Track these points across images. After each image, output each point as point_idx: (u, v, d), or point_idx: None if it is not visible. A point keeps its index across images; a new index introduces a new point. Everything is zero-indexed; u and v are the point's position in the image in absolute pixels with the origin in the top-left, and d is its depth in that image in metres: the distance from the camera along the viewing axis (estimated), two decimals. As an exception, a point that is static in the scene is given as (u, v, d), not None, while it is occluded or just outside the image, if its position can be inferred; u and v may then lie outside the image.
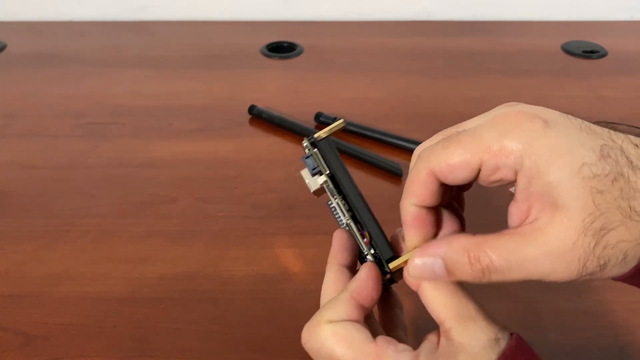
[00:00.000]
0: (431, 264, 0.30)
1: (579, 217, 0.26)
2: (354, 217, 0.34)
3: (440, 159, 0.29)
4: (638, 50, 0.90)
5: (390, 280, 0.35)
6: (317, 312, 0.32)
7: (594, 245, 0.26)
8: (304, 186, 0.65)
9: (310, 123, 0.70)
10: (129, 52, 0.88)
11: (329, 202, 0.36)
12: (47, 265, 0.52)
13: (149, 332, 0.46)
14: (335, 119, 0.70)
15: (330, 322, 0.30)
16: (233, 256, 0.53)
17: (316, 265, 0.52)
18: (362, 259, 0.35)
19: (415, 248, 0.31)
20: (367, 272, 0.32)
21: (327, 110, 0.71)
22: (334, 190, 0.35)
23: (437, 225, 0.32)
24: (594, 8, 1.00)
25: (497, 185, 0.29)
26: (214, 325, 0.47)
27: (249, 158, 0.66)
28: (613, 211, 0.26)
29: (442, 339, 0.30)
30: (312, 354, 0.31)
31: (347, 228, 0.35)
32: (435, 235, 0.32)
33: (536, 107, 0.29)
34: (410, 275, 0.31)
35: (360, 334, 0.30)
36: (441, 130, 0.32)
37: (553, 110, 0.28)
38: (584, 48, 0.89)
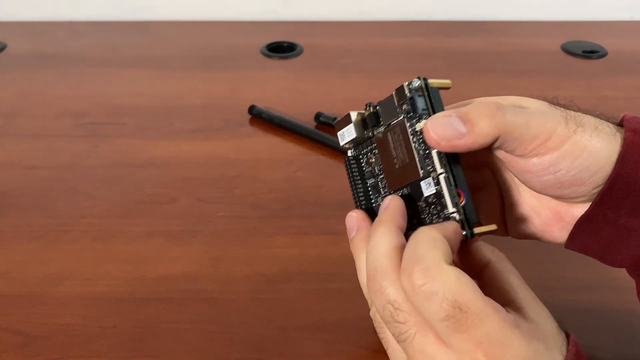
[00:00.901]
0: (448, 119, 0.32)
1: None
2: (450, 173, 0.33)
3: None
4: (638, 50, 0.90)
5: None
6: (425, 252, 0.29)
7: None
8: (304, 186, 0.65)
9: (310, 123, 0.70)
10: (129, 52, 0.88)
11: (426, 150, 0.34)
12: (47, 265, 0.52)
13: (148, 332, 0.46)
14: (335, 119, 0.70)
15: (450, 265, 0.29)
16: (233, 256, 0.53)
17: (316, 265, 0.52)
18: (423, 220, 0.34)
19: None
20: (456, 229, 0.32)
21: (327, 110, 0.71)
22: None
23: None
24: (594, 8, 1.00)
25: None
26: (214, 325, 0.47)
27: (249, 158, 0.66)
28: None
29: (516, 315, 0.30)
30: (428, 297, 0.28)
31: (438, 180, 0.33)
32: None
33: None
34: (432, 130, 0.32)
35: (475, 286, 0.28)
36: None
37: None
38: (584, 48, 0.89)
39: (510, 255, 0.34)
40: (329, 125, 0.70)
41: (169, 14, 0.99)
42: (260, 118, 0.72)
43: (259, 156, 0.66)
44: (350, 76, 0.82)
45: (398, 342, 0.30)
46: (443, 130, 0.32)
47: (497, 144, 0.33)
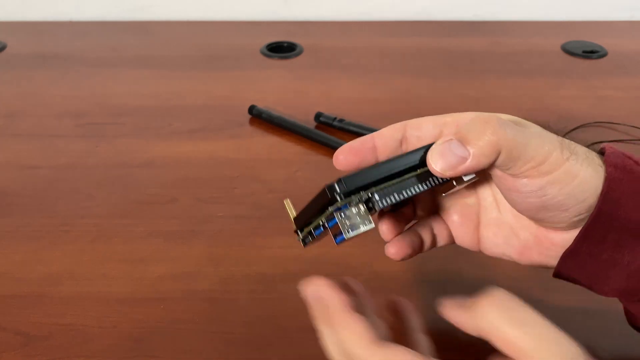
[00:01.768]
0: (448, 145, 0.31)
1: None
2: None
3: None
4: (638, 50, 0.90)
5: None
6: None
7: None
8: (304, 186, 0.65)
9: (311, 123, 0.70)
10: (129, 52, 0.88)
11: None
12: (47, 265, 0.52)
13: (148, 332, 0.46)
14: (335, 119, 0.70)
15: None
16: (233, 256, 0.53)
17: (316, 266, 0.52)
18: None
19: None
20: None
21: (327, 110, 0.71)
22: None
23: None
24: (594, 8, 1.00)
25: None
26: (214, 325, 0.47)
27: (248, 158, 0.66)
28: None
29: None
30: None
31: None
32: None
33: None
34: (433, 163, 0.31)
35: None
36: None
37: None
38: (584, 48, 0.89)
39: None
40: (329, 125, 0.70)
41: (169, 14, 0.99)
42: (260, 118, 0.72)
43: (259, 156, 0.66)
44: (350, 76, 0.82)
45: None
46: (444, 160, 0.31)
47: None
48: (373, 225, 0.31)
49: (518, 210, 0.35)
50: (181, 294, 0.49)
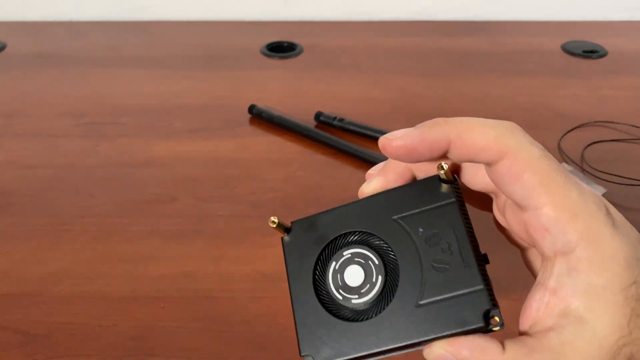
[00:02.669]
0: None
1: (611, 337, 0.24)
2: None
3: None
4: (638, 50, 0.90)
5: None
6: None
7: None
8: (304, 185, 0.65)
9: (311, 123, 0.70)
10: (129, 52, 0.88)
11: None
12: (47, 264, 0.52)
13: (148, 331, 0.46)
14: (335, 119, 0.70)
15: None
16: (233, 255, 0.53)
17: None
18: None
19: None
20: None
21: (327, 110, 0.71)
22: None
23: None
24: (594, 8, 1.00)
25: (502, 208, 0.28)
26: (214, 324, 0.47)
27: (248, 157, 0.66)
28: None
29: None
30: None
31: None
32: None
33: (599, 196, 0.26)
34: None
35: None
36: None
37: (613, 208, 0.27)
38: (584, 48, 0.89)
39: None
40: (329, 124, 0.70)
41: (169, 14, 0.99)
42: (260, 118, 0.72)
43: (259, 155, 0.66)
44: (350, 76, 0.82)
45: None
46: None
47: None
48: None
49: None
50: (181, 293, 0.49)
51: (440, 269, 0.27)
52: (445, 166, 0.28)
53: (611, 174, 0.61)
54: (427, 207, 0.28)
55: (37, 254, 0.53)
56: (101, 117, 0.73)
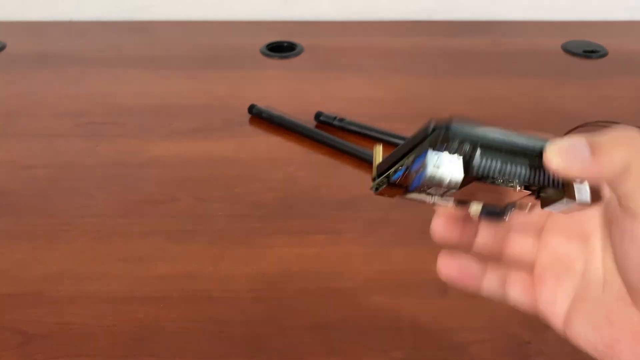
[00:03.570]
0: (572, 142, 0.25)
1: None
2: None
3: None
4: (638, 50, 0.90)
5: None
6: None
7: None
8: (304, 185, 0.65)
9: (311, 123, 0.70)
10: (129, 52, 0.88)
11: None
12: (46, 264, 0.52)
13: (148, 331, 0.46)
14: (335, 119, 0.70)
15: None
16: (233, 255, 0.53)
17: (316, 265, 0.52)
18: None
19: None
20: None
21: (327, 110, 0.71)
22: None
23: None
24: (595, 8, 1.00)
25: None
26: (214, 325, 0.46)
27: (248, 157, 0.66)
28: None
29: None
30: None
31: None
32: None
33: None
34: (550, 153, 0.26)
35: None
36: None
37: None
38: (584, 48, 0.89)
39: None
40: (329, 124, 0.70)
41: (169, 14, 0.99)
42: (260, 117, 0.71)
43: (259, 156, 0.66)
44: (350, 76, 0.82)
45: None
46: (563, 155, 0.26)
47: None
48: (462, 176, 0.26)
49: (627, 273, 0.27)
50: (181, 293, 0.49)
51: None
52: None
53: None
54: None
55: (36, 254, 0.53)
56: (101, 117, 0.73)
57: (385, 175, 0.30)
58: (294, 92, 0.78)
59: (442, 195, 0.28)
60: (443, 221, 0.31)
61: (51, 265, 0.52)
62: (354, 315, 0.47)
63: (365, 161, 0.64)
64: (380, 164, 0.31)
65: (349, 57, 0.87)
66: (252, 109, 0.72)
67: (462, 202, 0.30)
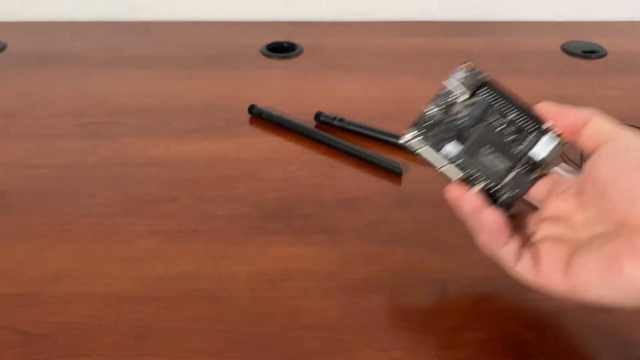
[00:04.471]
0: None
1: None
2: None
3: None
4: (638, 50, 0.91)
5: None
6: None
7: None
8: (304, 185, 0.65)
9: (311, 123, 0.70)
10: (129, 52, 0.88)
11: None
12: (47, 264, 0.52)
13: (149, 331, 0.46)
14: (335, 119, 0.70)
15: None
16: (233, 255, 0.53)
17: (317, 264, 0.52)
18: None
19: None
20: None
21: (327, 110, 0.71)
22: None
23: None
24: (594, 8, 1.00)
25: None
26: (214, 324, 0.47)
27: (249, 157, 0.66)
28: None
29: None
30: None
31: None
32: None
33: None
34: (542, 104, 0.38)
35: None
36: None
37: None
38: (583, 48, 0.89)
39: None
40: (329, 124, 0.70)
41: (169, 14, 0.99)
42: (260, 118, 0.72)
43: (259, 155, 0.66)
44: (350, 76, 0.82)
45: None
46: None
47: None
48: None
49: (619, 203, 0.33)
50: (181, 293, 0.49)
51: None
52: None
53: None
54: None
55: (36, 253, 0.53)
56: (101, 117, 0.73)
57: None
58: (294, 92, 0.78)
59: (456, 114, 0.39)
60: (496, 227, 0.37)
61: (51, 265, 0.52)
62: (353, 314, 0.47)
63: (365, 161, 0.64)
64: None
65: (349, 57, 0.87)
66: (252, 109, 0.72)
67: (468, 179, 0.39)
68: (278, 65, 0.85)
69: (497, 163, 0.38)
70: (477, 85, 0.37)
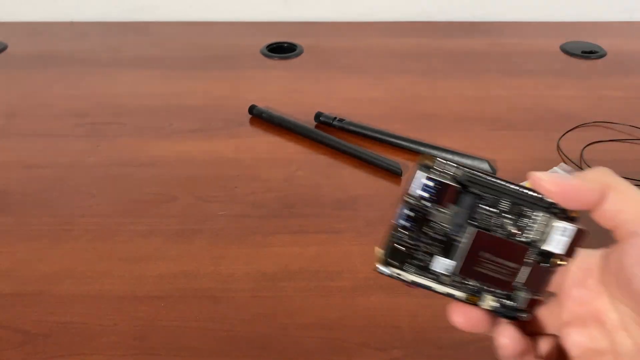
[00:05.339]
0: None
1: None
2: None
3: None
4: (637, 50, 0.91)
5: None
6: None
7: None
8: (304, 185, 0.66)
9: (311, 123, 0.71)
10: (129, 52, 0.89)
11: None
12: (48, 263, 0.52)
13: (149, 330, 0.46)
14: (335, 119, 0.70)
15: None
16: (233, 254, 0.53)
17: (316, 264, 0.52)
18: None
19: None
20: None
21: (327, 110, 0.71)
22: None
23: None
24: (593, 8, 1.00)
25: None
26: (214, 323, 0.47)
27: (249, 157, 0.66)
28: None
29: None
30: None
31: None
32: None
33: None
34: (539, 175, 0.28)
35: None
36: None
37: None
38: (583, 48, 0.89)
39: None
40: (328, 125, 0.70)
41: (169, 14, 0.99)
42: (260, 118, 0.72)
43: (259, 156, 0.66)
44: (350, 76, 0.82)
45: None
46: (550, 178, 0.28)
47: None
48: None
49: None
50: (182, 292, 0.49)
51: None
52: None
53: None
54: None
55: (37, 253, 0.53)
56: (101, 117, 0.73)
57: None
58: (294, 93, 0.79)
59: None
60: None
61: (52, 265, 0.52)
62: (353, 314, 0.47)
63: (365, 161, 0.64)
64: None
65: (349, 57, 0.87)
66: (252, 109, 0.72)
67: (474, 292, 0.31)
68: (278, 66, 0.85)
69: (501, 266, 0.30)
70: (448, 184, 0.29)
